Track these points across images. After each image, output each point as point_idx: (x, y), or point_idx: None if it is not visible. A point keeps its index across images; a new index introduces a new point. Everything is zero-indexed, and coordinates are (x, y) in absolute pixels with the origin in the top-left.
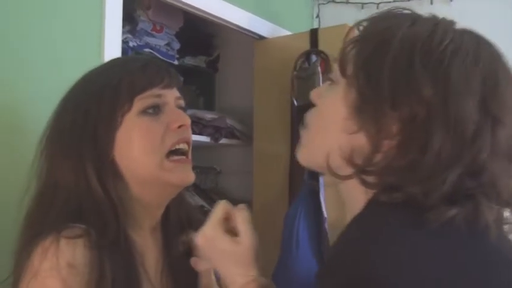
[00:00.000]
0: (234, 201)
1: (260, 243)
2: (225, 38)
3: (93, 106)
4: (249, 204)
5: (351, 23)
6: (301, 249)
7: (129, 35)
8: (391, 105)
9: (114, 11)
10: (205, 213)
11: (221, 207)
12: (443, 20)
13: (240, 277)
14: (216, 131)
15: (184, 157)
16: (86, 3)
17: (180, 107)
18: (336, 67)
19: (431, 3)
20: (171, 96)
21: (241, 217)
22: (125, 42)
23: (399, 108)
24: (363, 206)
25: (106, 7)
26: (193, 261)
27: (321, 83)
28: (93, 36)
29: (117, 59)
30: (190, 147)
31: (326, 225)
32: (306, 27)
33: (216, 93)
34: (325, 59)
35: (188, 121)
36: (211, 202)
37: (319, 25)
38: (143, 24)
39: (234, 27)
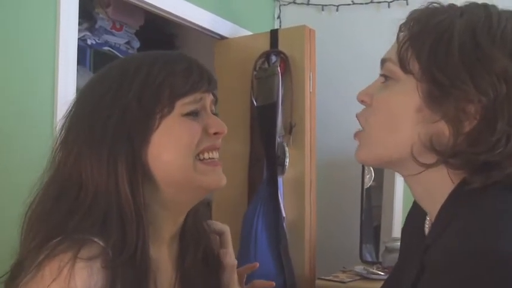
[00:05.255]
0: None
1: None
2: (185, 37)
3: (132, 105)
4: (209, 203)
5: (311, 24)
6: (259, 248)
7: (88, 33)
8: (474, 87)
9: (70, 8)
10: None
11: None
12: (489, 5)
13: None
14: None
15: (216, 160)
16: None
17: (212, 112)
18: (391, 66)
19: (389, 6)
20: (209, 100)
21: None
22: (82, 40)
23: (481, 88)
24: (449, 191)
25: (61, 4)
26: (222, 253)
27: (280, 84)
28: (47, 33)
29: (158, 54)
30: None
31: (285, 225)
32: (267, 28)
33: None
34: (284, 60)
35: (226, 129)
36: None
37: (280, 26)
38: (102, 22)
39: (195, 27)
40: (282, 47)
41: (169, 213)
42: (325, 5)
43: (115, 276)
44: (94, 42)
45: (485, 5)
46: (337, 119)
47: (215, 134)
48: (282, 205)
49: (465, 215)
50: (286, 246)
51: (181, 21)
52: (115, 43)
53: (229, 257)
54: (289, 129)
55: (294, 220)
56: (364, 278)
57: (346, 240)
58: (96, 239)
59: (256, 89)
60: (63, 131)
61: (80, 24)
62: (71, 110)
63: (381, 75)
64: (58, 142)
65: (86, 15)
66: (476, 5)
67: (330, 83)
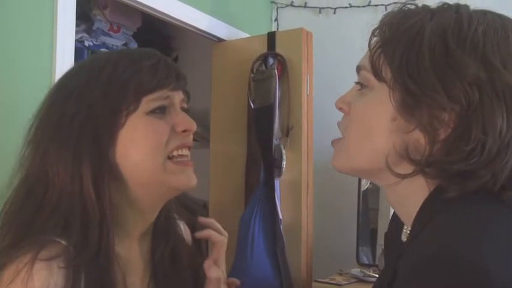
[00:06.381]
0: (190, 202)
1: None
2: (183, 39)
3: (98, 101)
4: (205, 204)
5: (308, 27)
6: (256, 251)
7: (85, 34)
8: (446, 95)
9: (67, 9)
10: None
11: None
12: (460, 5)
13: None
14: None
15: (187, 159)
16: (37, 1)
17: (183, 109)
18: (365, 74)
19: (386, 9)
20: (178, 98)
21: None
22: (80, 41)
23: (453, 96)
24: (423, 201)
25: (58, 5)
26: (207, 265)
27: (277, 86)
28: (44, 34)
29: (126, 51)
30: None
31: (281, 227)
32: (264, 30)
33: None
34: (282, 62)
35: (194, 127)
36: None
37: (278, 28)
38: (100, 23)
39: (193, 29)
40: (279, 49)
41: (138, 211)
42: (323, 8)
43: (77, 275)
44: (91, 44)
45: (456, 6)
46: (334, 122)
47: (184, 131)
48: (278, 207)
49: (437, 223)
50: (283, 248)
51: (178, 23)
52: (112, 45)
53: (215, 270)
54: (286, 131)
55: (291, 222)
56: (360, 280)
57: (343, 243)
58: (58, 239)
59: (253, 91)
60: (32, 129)
61: (77, 25)
62: (40, 109)
63: (356, 83)
64: (27, 141)
65: (84, 16)
66: (447, 6)
67: (327, 86)
